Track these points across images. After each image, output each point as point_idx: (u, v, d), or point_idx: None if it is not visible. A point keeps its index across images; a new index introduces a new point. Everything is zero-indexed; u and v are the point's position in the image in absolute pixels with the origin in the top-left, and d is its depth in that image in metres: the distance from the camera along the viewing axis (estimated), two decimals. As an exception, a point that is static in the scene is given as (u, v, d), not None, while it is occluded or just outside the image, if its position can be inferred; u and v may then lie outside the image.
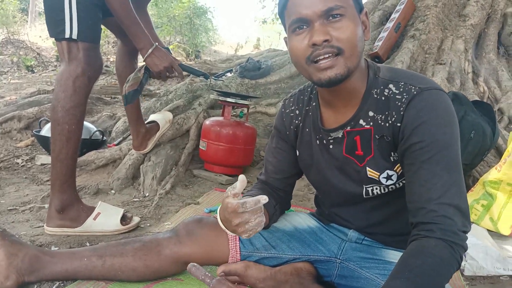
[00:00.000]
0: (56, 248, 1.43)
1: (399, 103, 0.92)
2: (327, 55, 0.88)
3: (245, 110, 2.63)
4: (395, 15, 3.74)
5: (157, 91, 4.34)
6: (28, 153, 2.67)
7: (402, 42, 3.67)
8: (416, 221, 0.86)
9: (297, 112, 1.15)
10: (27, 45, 8.32)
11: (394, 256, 1.09)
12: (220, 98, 2.49)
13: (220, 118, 2.53)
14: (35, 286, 1.13)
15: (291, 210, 1.80)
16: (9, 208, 1.81)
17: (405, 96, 0.91)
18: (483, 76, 3.65)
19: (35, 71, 6.82)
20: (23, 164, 2.47)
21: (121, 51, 2.04)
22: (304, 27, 0.90)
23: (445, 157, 0.85)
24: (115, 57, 2.10)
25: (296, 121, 1.15)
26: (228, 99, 2.45)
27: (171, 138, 2.57)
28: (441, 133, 0.86)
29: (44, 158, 2.47)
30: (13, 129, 2.90)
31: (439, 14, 3.77)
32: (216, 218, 1.16)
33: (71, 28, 1.50)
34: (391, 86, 0.95)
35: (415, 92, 0.90)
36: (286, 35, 0.98)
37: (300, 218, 1.29)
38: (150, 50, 1.72)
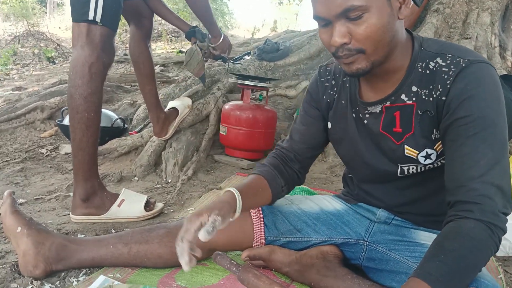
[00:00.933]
0: (82, 236, 1.44)
1: (446, 76, 0.87)
2: (347, 55, 0.86)
3: (265, 93, 2.60)
4: (417, -11, 3.61)
5: (176, 78, 4.34)
6: (52, 142, 2.71)
7: (425, 16, 3.54)
8: (455, 199, 0.82)
9: (333, 82, 1.11)
10: (47, 37, 8.43)
11: (425, 237, 1.05)
12: (238, 82, 2.46)
13: (240, 102, 2.50)
14: (62, 272, 1.14)
15: (314, 193, 1.78)
16: (35, 197, 1.84)
17: (452, 69, 0.86)
18: (511, 50, 3.51)
19: (56, 62, 6.91)
20: (47, 154, 2.51)
21: (135, 37, 2.02)
22: (327, 23, 0.86)
23: (491, 135, 0.81)
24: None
25: (331, 92, 1.11)
26: (247, 82, 2.42)
27: (191, 124, 2.57)
28: (489, 108, 0.82)
29: (68, 147, 2.49)
30: (37, 119, 2.94)
31: (464, -14, 3.62)
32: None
33: (96, 11, 1.50)
34: (438, 59, 0.90)
35: (463, 65, 0.85)
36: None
37: (326, 201, 1.26)
38: (222, 37, 2.08)
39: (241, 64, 3.24)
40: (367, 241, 1.14)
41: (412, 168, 0.99)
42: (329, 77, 1.12)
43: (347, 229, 1.17)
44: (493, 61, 3.30)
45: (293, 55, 3.54)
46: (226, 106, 2.50)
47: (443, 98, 0.87)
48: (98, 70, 1.52)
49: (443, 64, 0.88)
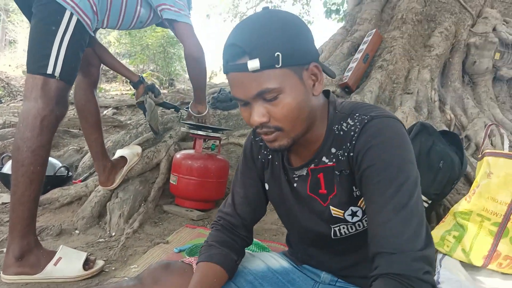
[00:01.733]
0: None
1: (352, 133, 0.91)
2: (266, 132, 0.89)
3: (217, 142, 2.60)
4: (363, 46, 3.85)
5: (128, 121, 4.27)
6: (-13, 191, 2.53)
7: (370, 72, 3.76)
8: (371, 252, 0.82)
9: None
10: (-7, 76, 8.12)
11: (370, 300, 1.05)
12: (191, 131, 2.45)
13: (191, 151, 2.49)
14: None
15: (267, 250, 1.76)
16: (-39, 254, 1.69)
17: (358, 126, 0.90)
18: (449, 104, 3.76)
19: (3, 101, 6.63)
20: (-18, 203, 2.34)
21: (82, 85, 1.99)
22: (246, 104, 0.88)
23: (396, 179, 0.82)
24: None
25: (265, 152, 1.12)
26: (199, 132, 2.41)
27: (140, 172, 2.50)
28: (390, 155, 0.84)
29: (5, 197, 2.35)
30: (-27, 165, 2.76)
31: (405, 45, 3.90)
32: (184, 262, 1.11)
33: (55, 65, 1.50)
34: (348, 119, 0.94)
35: (366, 121, 0.89)
36: None
37: (273, 258, 1.25)
38: (206, 111, 2.42)
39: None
40: (312, 302, 1.12)
41: (343, 228, 1.01)
42: None
43: (293, 288, 1.15)
44: (433, 115, 3.51)
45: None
46: (178, 155, 2.47)
47: (351, 154, 0.90)
48: (50, 123, 1.49)
49: (351, 123, 0.92)
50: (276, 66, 0.80)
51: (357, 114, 0.93)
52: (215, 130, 2.48)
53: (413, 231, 0.78)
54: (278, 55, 0.80)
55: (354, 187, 0.95)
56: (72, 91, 1.89)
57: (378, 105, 1.03)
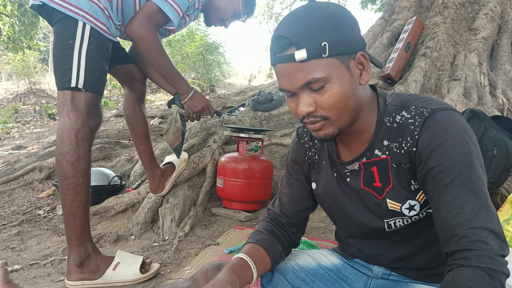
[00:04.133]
0: (76, 303, 1.41)
1: (413, 127, 0.89)
2: (312, 122, 0.89)
3: (260, 143, 2.62)
4: (404, 35, 3.74)
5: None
6: (50, 203, 2.70)
7: (413, 61, 3.65)
8: (450, 249, 0.81)
9: (311, 143, 1.13)
10: (48, 94, 8.64)
11: (423, 292, 1.03)
12: (233, 134, 2.49)
13: (235, 154, 2.52)
14: None
15: (316, 248, 1.75)
16: (31, 262, 1.82)
17: (417, 120, 0.88)
18: (501, 88, 3.57)
19: (57, 118, 7.03)
20: (45, 215, 2.50)
21: (129, 99, 2.05)
22: (293, 94, 0.89)
23: (468, 179, 0.80)
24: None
25: (310, 153, 1.12)
26: (242, 135, 2.45)
27: (188, 177, 2.58)
28: (459, 153, 0.82)
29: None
30: (35, 180, 2.95)
31: (449, 30, 3.75)
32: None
33: (78, 78, 1.53)
34: (403, 112, 0.92)
35: (427, 114, 0.87)
36: None
37: (324, 255, 1.24)
38: (191, 94, 1.91)
39: (236, 115, 3.30)
40: (365, 297, 1.11)
41: (399, 221, 0.99)
42: (307, 138, 1.14)
43: (345, 285, 1.14)
44: (484, 100, 3.35)
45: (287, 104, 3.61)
46: (222, 159, 2.51)
47: (414, 149, 0.88)
48: (85, 135, 1.54)
49: (408, 116, 0.90)
50: (323, 55, 0.81)
51: (413, 107, 0.91)
52: (257, 131, 2.51)
53: (495, 228, 0.78)
54: (324, 44, 0.81)
55: (413, 181, 0.93)
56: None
57: (430, 96, 1.00)
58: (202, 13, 2.06)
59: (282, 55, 0.84)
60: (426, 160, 0.85)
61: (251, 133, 2.47)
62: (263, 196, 2.50)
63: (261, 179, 2.44)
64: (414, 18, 3.82)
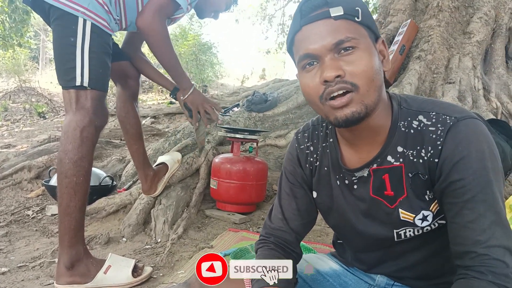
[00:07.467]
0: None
1: (435, 136, 0.83)
2: (341, 92, 0.80)
3: (254, 144, 2.59)
4: (398, 38, 3.73)
5: (166, 129, 4.35)
6: (39, 203, 2.64)
7: (408, 64, 3.64)
8: (464, 264, 0.78)
9: (312, 149, 1.06)
10: (39, 92, 8.52)
11: (427, 302, 1.00)
12: (228, 135, 2.46)
13: (230, 155, 2.49)
14: None
15: (313, 252, 1.72)
16: (19, 265, 1.77)
17: (440, 128, 0.83)
18: (495, 91, 3.59)
19: (47, 117, 6.94)
20: (33, 215, 2.44)
21: (122, 97, 2.01)
22: (314, 63, 0.83)
23: (489, 194, 0.77)
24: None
25: (311, 159, 1.06)
26: (236, 135, 2.41)
27: (181, 178, 2.53)
28: (483, 168, 0.78)
29: (55, 208, 2.43)
30: (24, 179, 2.89)
31: (443, 33, 3.75)
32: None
33: (82, 76, 1.50)
34: (420, 117, 0.87)
35: (451, 123, 0.82)
36: (297, 72, 0.92)
37: (322, 260, 1.20)
38: (191, 90, 1.93)
39: (230, 116, 3.26)
40: (366, 306, 1.08)
41: (409, 231, 0.94)
42: (308, 144, 1.07)
43: (345, 292, 1.11)
44: (478, 104, 3.36)
45: (282, 105, 3.58)
46: (216, 160, 2.48)
47: (436, 160, 0.83)
48: (90, 134, 1.51)
49: (428, 123, 0.85)
50: (356, 19, 0.81)
51: (433, 113, 0.85)
52: (252, 132, 2.48)
53: (509, 245, 0.76)
54: (358, 9, 0.81)
55: (428, 191, 0.88)
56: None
57: (451, 102, 0.96)
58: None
59: (314, 14, 0.82)
60: (449, 173, 0.80)
61: (246, 133, 2.43)
62: (257, 198, 2.46)
63: (256, 180, 2.41)
64: (409, 20, 3.82)
